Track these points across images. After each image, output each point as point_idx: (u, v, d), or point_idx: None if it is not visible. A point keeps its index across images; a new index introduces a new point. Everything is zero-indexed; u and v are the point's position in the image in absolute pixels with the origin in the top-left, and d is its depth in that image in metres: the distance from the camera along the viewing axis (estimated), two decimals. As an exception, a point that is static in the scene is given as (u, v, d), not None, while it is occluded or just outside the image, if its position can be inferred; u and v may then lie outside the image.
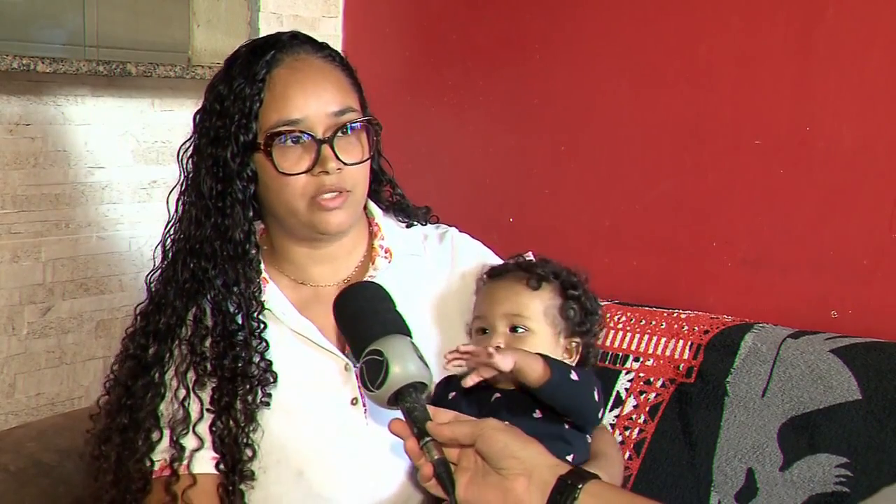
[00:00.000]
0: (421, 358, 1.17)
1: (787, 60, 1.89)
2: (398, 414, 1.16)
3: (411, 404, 1.14)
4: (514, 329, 1.30)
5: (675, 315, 1.83)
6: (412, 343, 1.18)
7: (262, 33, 2.37)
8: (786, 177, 1.90)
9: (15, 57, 1.94)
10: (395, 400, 1.15)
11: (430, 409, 1.15)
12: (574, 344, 1.34)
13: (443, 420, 1.14)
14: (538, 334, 1.30)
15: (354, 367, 1.31)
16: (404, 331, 1.21)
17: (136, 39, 2.44)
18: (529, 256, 1.40)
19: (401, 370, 1.14)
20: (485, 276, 1.39)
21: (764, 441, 1.63)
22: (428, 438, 1.12)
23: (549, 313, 1.31)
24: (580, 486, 1.05)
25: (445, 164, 2.38)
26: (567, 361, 1.32)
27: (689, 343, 1.76)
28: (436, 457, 1.11)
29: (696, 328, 1.78)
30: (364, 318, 1.22)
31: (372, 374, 1.15)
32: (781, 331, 1.72)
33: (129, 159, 2.25)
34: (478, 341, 1.30)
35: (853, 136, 1.83)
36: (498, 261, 1.51)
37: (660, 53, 2.05)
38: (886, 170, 1.79)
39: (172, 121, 2.31)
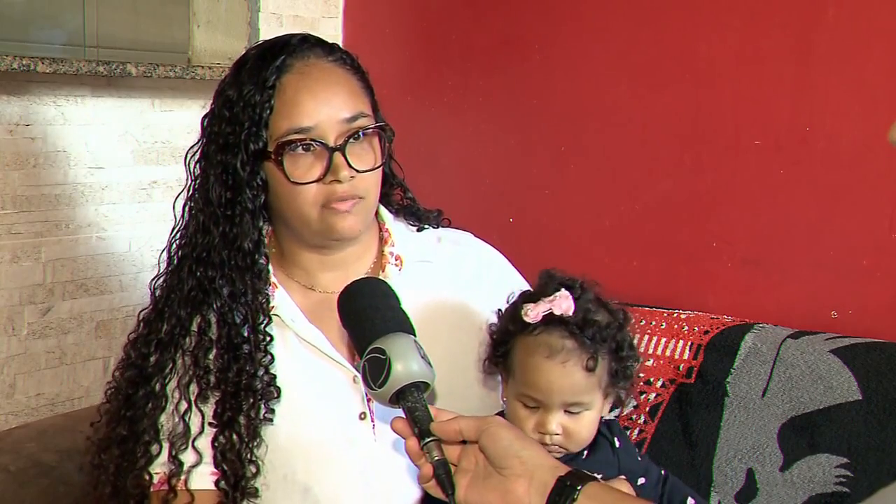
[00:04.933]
0: (424, 357, 1.15)
1: (787, 60, 1.89)
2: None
3: (413, 404, 1.13)
4: (568, 410, 1.21)
5: (675, 315, 1.82)
6: (415, 342, 1.17)
7: (262, 33, 2.37)
8: (786, 177, 1.90)
9: (15, 57, 1.94)
10: (397, 399, 1.14)
11: (432, 408, 1.15)
12: (618, 392, 1.26)
13: (445, 418, 1.14)
14: (594, 407, 1.22)
15: (355, 367, 1.29)
16: (408, 329, 1.19)
17: (136, 40, 2.44)
18: (567, 300, 1.22)
19: (403, 369, 1.13)
20: (512, 332, 1.24)
21: (764, 441, 1.63)
22: (429, 439, 1.11)
23: (602, 384, 1.22)
24: (579, 488, 1.05)
25: (445, 164, 2.38)
26: (607, 407, 1.25)
27: (689, 343, 1.76)
28: (436, 457, 1.10)
29: (696, 328, 1.77)
30: (367, 316, 1.20)
31: (374, 372, 1.14)
32: (781, 331, 1.72)
33: (129, 160, 2.25)
34: (525, 416, 1.22)
35: (853, 136, 1.83)
36: (515, 273, 1.47)
37: (660, 53, 2.05)
38: (886, 170, 1.79)
39: (172, 121, 2.31)
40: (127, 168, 2.25)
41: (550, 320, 1.20)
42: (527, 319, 1.21)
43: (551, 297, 1.21)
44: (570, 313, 1.20)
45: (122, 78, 2.16)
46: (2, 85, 2.00)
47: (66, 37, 2.35)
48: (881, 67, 1.80)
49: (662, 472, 1.30)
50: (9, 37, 2.21)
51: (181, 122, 2.31)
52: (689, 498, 1.28)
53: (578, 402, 1.20)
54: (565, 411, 1.20)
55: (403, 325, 1.19)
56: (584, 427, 1.21)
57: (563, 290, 1.22)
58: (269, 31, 2.40)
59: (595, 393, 1.21)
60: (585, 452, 1.24)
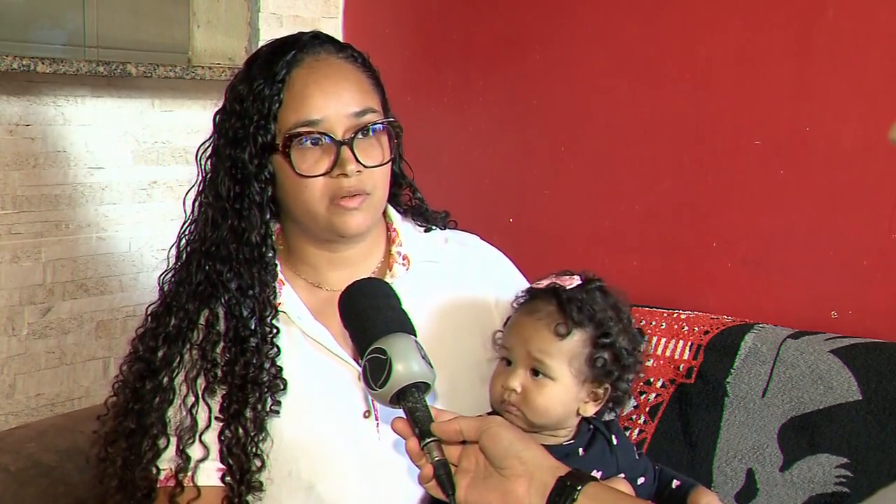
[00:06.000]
0: (425, 357, 1.16)
1: (787, 60, 1.89)
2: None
3: (413, 404, 1.13)
4: (535, 372, 1.22)
5: (675, 315, 1.83)
6: (416, 342, 1.17)
7: (262, 34, 2.37)
8: (786, 177, 1.90)
9: (15, 57, 1.94)
10: (398, 399, 1.14)
11: (433, 409, 1.15)
12: (602, 389, 1.25)
13: (446, 418, 1.14)
14: (560, 382, 1.21)
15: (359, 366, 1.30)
16: (408, 329, 1.19)
17: (136, 40, 2.44)
18: (575, 281, 1.27)
19: (404, 369, 1.13)
20: (519, 300, 1.29)
21: (764, 441, 1.63)
22: (429, 439, 1.11)
23: (574, 363, 1.22)
24: (579, 488, 1.05)
25: (445, 164, 2.38)
26: (590, 406, 1.26)
27: (689, 343, 1.76)
28: (436, 458, 1.11)
29: (696, 328, 1.78)
30: (368, 316, 1.20)
31: (375, 372, 1.14)
32: (781, 331, 1.72)
33: (128, 160, 2.25)
34: (500, 371, 1.25)
35: (853, 136, 1.83)
36: (520, 276, 1.47)
37: (660, 53, 2.06)
38: (886, 170, 1.79)
39: (172, 121, 2.31)
40: (127, 168, 2.25)
41: (548, 291, 1.25)
42: (532, 286, 1.28)
43: (560, 276, 1.26)
44: (568, 289, 1.24)
45: (122, 78, 2.16)
46: (2, 85, 2.01)
47: (66, 37, 2.34)
48: (881, 67, 1.80)
49: (656, 467, 1.31)
50: (9, 37, 2.20)
51: (181, 122, 2.31)
52: (675, 480, 1.30)
53: (541, 362, 1.21)
54: (531, 371, 1.21)
55: (404, 325, 1.19)
56: (544, 397, 1.21)
57: (575, 276, 1.26)
58: (269, 31, 2.40)
59: (561, 363, 1.21)
60: (582, 450, 1.25)
